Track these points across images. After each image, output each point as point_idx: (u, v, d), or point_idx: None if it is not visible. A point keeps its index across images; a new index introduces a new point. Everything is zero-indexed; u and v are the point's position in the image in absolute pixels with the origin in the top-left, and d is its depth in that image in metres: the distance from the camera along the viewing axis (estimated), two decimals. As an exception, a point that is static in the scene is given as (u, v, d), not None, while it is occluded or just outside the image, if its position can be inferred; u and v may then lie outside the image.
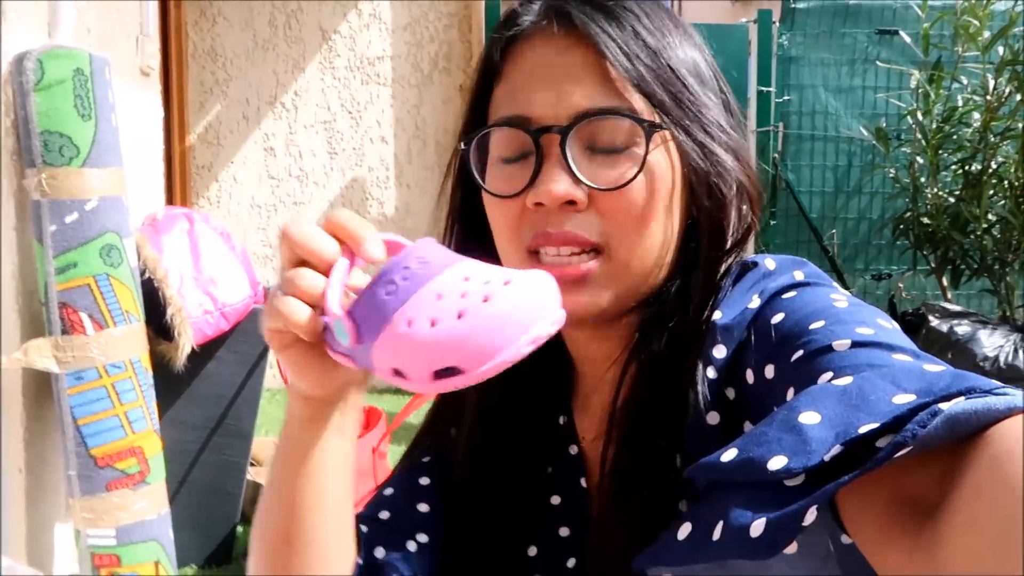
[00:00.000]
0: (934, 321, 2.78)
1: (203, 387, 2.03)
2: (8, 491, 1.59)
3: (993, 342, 2.63)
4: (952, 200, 3.44)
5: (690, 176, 0.56)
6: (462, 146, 0.59)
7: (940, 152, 3.46)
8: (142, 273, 1.77)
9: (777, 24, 4.18)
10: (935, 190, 3.46)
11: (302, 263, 0.48)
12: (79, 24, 1.95)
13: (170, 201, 3.64)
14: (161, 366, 1.82)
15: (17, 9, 1.66)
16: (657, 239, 0.56)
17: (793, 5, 4.13)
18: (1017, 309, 3.28)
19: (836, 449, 0.35)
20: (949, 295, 3.50)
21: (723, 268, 0.58)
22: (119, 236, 1.61)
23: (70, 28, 1.87)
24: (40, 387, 1.65)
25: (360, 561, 0.61)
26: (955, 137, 3.45)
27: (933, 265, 3.57)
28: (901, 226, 3.65)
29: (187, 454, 2.07)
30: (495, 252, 0.61)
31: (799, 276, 0.56)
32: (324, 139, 4.27)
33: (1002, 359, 2.58)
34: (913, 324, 2.96)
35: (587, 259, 0.55)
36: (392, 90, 4.31)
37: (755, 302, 0.54)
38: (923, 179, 3.54)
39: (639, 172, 0.54)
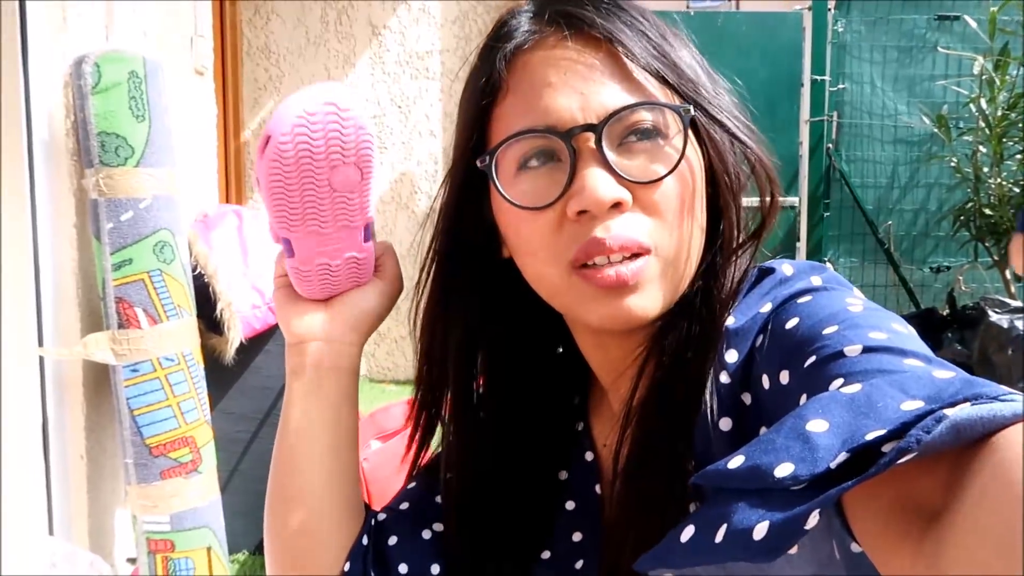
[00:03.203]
0: (993, 316, 2.69)
1: (252, 379, 2.09)
2: (71, 477, 1.66)
3: (1057, 338, 2.53)
4: (1016, 190, 3.32)
5: (714, 165, 0.56)
6: (479, 163, 0.56)
7: (1004, 140, 3.33)
8: (193, 269, 1.82)
9: (832, 11, 4.07)
10: (998, 180, 3.34)
11: None
12: (135, 26, 2.02)
13: (226, 197, 3.74)
14: (212, 359, 1.88)
15: (77, 14, 1.72)
16: (694, 231, 0.55)
17: (849, -9, 4.02)
18: (1085, 304, 3.14)
19: (842, 456, 0.35)
20: (1012, 289, 3.38)
21: (742, 267, 0.58)
22: (172, 233, 1.67)
23: (126, 30, 1.94)
24: (99, 378, 1.72)
25: (367, 544, 0.62)
26: (1021, 125, 3.32)
27: (995, 258, 3.45)
28: (962, 217, 3.53)
29: (237, 444, 2.13)
30: (493, 272, 0.60)
31: (816, 281, 0.54)
32: (374, 134, 4.32)
33: (1066, 356, 2.48)
34: (972, 319, 2.87)
35: (638, 263, 0.53)
36: (441, 84, 4.34)
37: (767, 307, 0.53)
38: (986, 169, 3.41)
39: (680, 159, 0.53)
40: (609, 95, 0.53)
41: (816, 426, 0.36)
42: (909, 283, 4.04)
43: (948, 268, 4.01)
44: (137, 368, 1.62)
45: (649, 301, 0.54)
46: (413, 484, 0.67)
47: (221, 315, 1.85)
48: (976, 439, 0.33)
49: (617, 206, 0.52)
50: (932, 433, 0.33)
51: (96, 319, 1.69)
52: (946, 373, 0.39)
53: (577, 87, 0.54)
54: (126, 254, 1.61)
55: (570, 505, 0.63)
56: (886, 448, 0.34)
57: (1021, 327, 2.63)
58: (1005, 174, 3.38)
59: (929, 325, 3.11)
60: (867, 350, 0.44)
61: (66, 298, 1.65)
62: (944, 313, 3.19)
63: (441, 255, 0.62)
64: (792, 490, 0.35)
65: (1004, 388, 0.36)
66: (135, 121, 1.62)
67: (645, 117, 0.53)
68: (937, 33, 3.95)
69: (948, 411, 0.34)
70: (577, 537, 0.61)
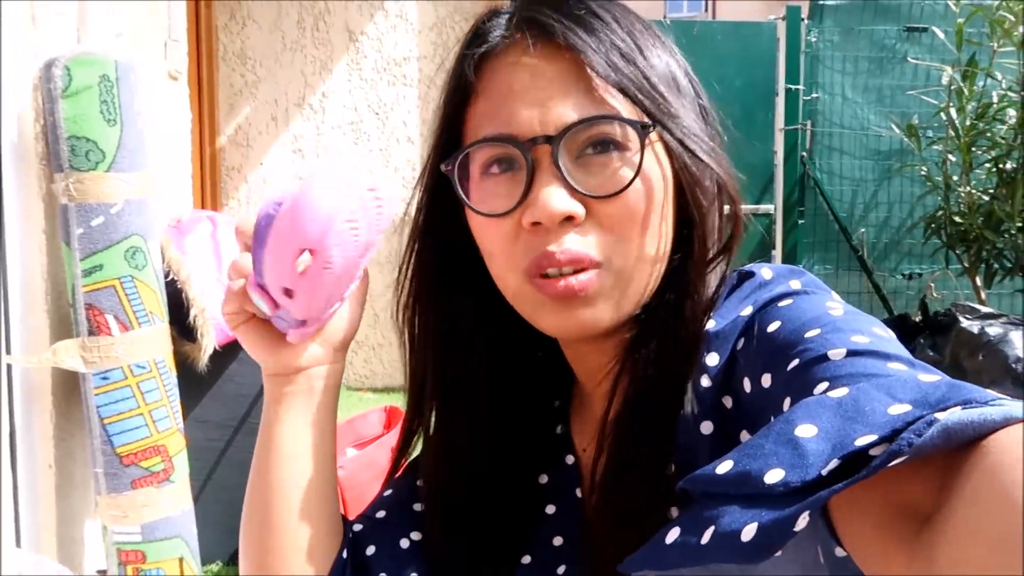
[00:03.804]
0: (965, 322, 2.73)
1: (226, 387, 2.06)
2: (39, 487, 1.63)
3: (1026, 344, 2.57)
4: (986, 198, 3.37)
5: (679, 180, 0.55)
6: (444, 167, 0.57)
7: (973, 149, 3.39)
8: (166, 275, 1.80)
9: (805, 21, 4.13)
10: (968, 188, 3.40)
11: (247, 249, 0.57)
12: (108, 29, 2.00)
13: (201, 202, 3.70)
14: (185, 366, 1.86)
15: (47, 15, 1.70)
16: (654, 247, 0.55)
17: (821, 2, 4.09)
18: (1053, 310, 3.21)
19: (834, 463, 0.35)
20: (983, 295, 3.43)
21: (718, 277, 0.58)
22: (144, 239, 1.65)
23: (98, 33, 1.91)
24: (68, 386, 1.69)
25: (346, 557, 0.61)
26: (989, 134, 3.38)
27: (966, 265, 3.50)
28: (933, 225, 3.59)
29: (211, 452, 2.11)
30: (476, 270, 0.60)
31: (796, 285, 0.55)
32: (351, 140, 4.30)
33: (1035, 361, 2.52)
34: (944, 325, 2.91)
35: (587, 275, 0.53)
36: (418, 91, 4.34)
37: (747, 310, 0.54)
38: (955, 177, 3.47)
39: (636, 175, 0.53)
40: (568, 108, 0.53)
41: (804, 431, 0.36)
42: (882, 289, 4.10)
43: (920, 275, 4.07)
44: (107, 376, 1.59)
45: (599, 313, 0.54)
46: (389, 491, 0.67)
47: (194, 321, 1.83)
48: (966, 443, 0.33)
49: (570, 220, 0.53)
50: (923, 436, 0.33)
51: (66, 326, 1.66)
52: (931, 377, 0.40)
53: (539, 97, 0.54)
54: (96, 260, 1.58)
55: (551, 509, 0.62)
56: (876, 451, 0.34)
57: (991, 333, 2.67)
58: (974, 182, 3.43)
59: (902, 331, 3.15)
60: (851, 354, 0.45)
61: (35, 305, 1.63)
62: (916, 319, 3.24)
63: (419, 256, 0.62)
64: (779, 493, 0.35)
65: (991, 392, 0.36)
66: (106, 125, 1.59)
67: (604, 130, 0.53)
68: (907, 44, 4.02)
69: (939, 415, 0.34)
70: (558, 541, 0.61)
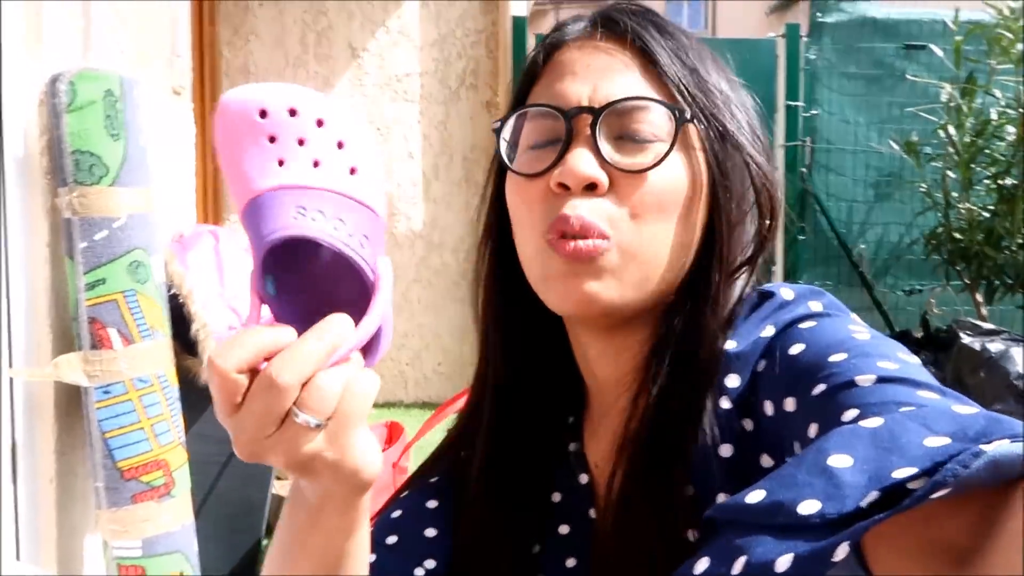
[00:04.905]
0: (966, 339, 2.73)
1: (228, 401, 2.06)
2: (40, 501, 1.63)
3: (1027, 360, 2.57)
4: (986, 215, 3.38)
5: (714, 184, 0.56)
6: (492, 126, 0.59)
7: (973, 166, 3.40)
8: (169, 289, 1.80)
9: (805, 39, 4.16)
10: (968, 205, 3.41)
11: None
12: (112, 45, 2.01)
13: (204, 217, 3.71)
14: (186, 380, 1.86)
15: (53, 31, 1.71)
16: (672, 237, 0.55)
17: (821, 19, 4.11)
18: (1053, 326, 3.21)
19: (873, 495, 0.34)
20: (983, 311, 3.43)
21: (738, 293, 0.57)
22: (147, 253, 1.65)
23: (103, 49, 1.93)
24: (70, 400, 1.69)
25: None
26: (988, 151, 3.40)
27: (967, 281, 3.51)
28: (933, 241, 3.59)
29: (212, 467, 2.10)
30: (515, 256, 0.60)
31: (816, 307, 0.55)
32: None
33: (1036, 377, 2.52)
34: (945, 341, 2.91)
35: (596, 242, 0.54)
36: (420, 107, 4.36)
37: (769, 331, 0.53)
38: (955, 194, 3.48)
39: (665, 156, 0.54)
40: (618, 87, 0.55)
41: (839, 461, 0.35)
42: (883, 306, 4.10)
43: (921, 291, 4.07)
44: (109, 390, 1.59)
45: (606, 288, 0.54)
46: (398, 512, 0.65)
47: (196, 336, 1.83)
48: (1007, 480, 0.32)
49: (593, 188, 0.54)
50: (970, 468, 0.32)
51: (68, 340, 1.67)
52: (967, 409, 0.38)
53: (592, 78, 0.56)
54: (100, 274, 1.59)
55: (563, 529, 0.61)
56: (915, 484, 0.33)
57: (993, 350, 2.67)
58: (974, 199, 3.44)
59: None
60: (880, 380, 0.44)
61: (37, 318, 1.63)
62: (918, 335, 3.24)
63: (488, 239, 0.64)
64: (816, 525, 0.34)
65: None
66: (110, 140, 1.60)
67: (646, 116, 0.55)
68: (905, 62, 4.04)
69: (985, 447, 0.33)
70: (571, 563, 0.60)
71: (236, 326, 1.95)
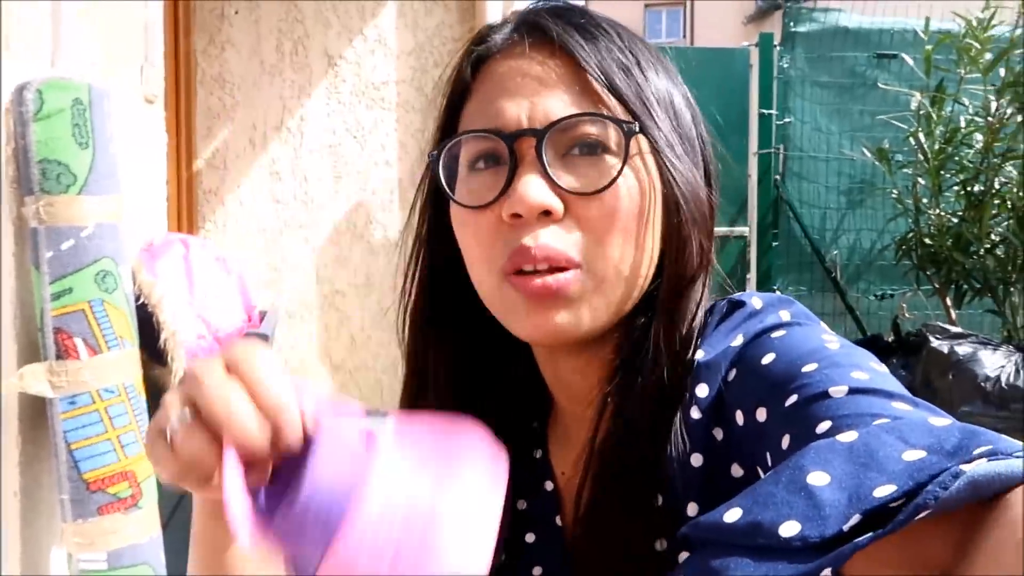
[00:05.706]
0: (935, 342, 2.77)
1: (197, 411, 2.04)
2: (5, 515, 1.60)
3: (994, 362, 2.61)
4: (955, 221, 3.44)
5: (668, 193, 0.55)
6: (428, 156, 0.57)
7: (942, 173, 3.46)
8: (137, 298, 1.79)
9: (778, 47, 4.21)
10: (937, 211, 3.46)
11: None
12: (82, 53, 2.00)
13: (178, 225, 3.68)
14: (155, 390, 1.84)
15: (21, 40, 1.70)
16: (635, 253, 0.54)
17: (793, 29, 4.16)
18: (1020, 329, 3.26)
19: (855, 519, 0.33)
20: (953, 315, 3.48)
21: (706, 305, 0.57)
22: (115, 262, 1.64)
23: (72, 58, 1.91)
24: (36, 412, 1.67)
25: None
26: (957, 158, 3.46)
27: (936, 285, 3.56)
28: (904, 247, 3.64)
29: (183, 477, 2.08)
30: (463, 279, 0.58)
31: (785, 316, 0.54)
32: (329, 163, 4.31)
33: (1003, 379, 2.56)
34: (915, 345, 2.94)
35: (565, 275, 0.52)
36: (396, 114, 4.36)
37: (738, 340, 0.53)
38: (925, 200, 3.54)
39: (619, 175, 0.52)
40: (557, 104, 0.53)
41: (817, 479, 0.35)
42: (856, 310, 4.15)
43: (892, 296, 4.13)
44: (75, 400, 1.57)
45: (577, 318, 0.53)
46: None
47: (165, 345, 1.82)
48: (989, 496, 0.32)
49: (548, 214, 0.52)
50: (950, 489, 0.32)
51: (34, 350, 1.65)
52: (941, 420, 0.39)
53: (528, 94, 0.54)
54: (66, 283, 1.57)
55: (530, 537, 0.61)
56: (896, 504, 0.33)
57: (961, 353, 2.71)
58: (943, 205, 3.50)
59: (875, 351, 3.18)
60: (853, 391, 0.44)
61: (2, 329, 1.61)
62: (889, 340, 3.28)
63: (418, 259, 0.61)
64: (798, 548, 0.33)
65: (1007, 439, 0.35)
66: (78, 148, 1.59)
67: (591, 132, 0.53)
68: (877, 70, 4.10)
69: (965, 467, 0.33)
70: (537, 571, 0.60)
71: (205, 334, 1.93)
